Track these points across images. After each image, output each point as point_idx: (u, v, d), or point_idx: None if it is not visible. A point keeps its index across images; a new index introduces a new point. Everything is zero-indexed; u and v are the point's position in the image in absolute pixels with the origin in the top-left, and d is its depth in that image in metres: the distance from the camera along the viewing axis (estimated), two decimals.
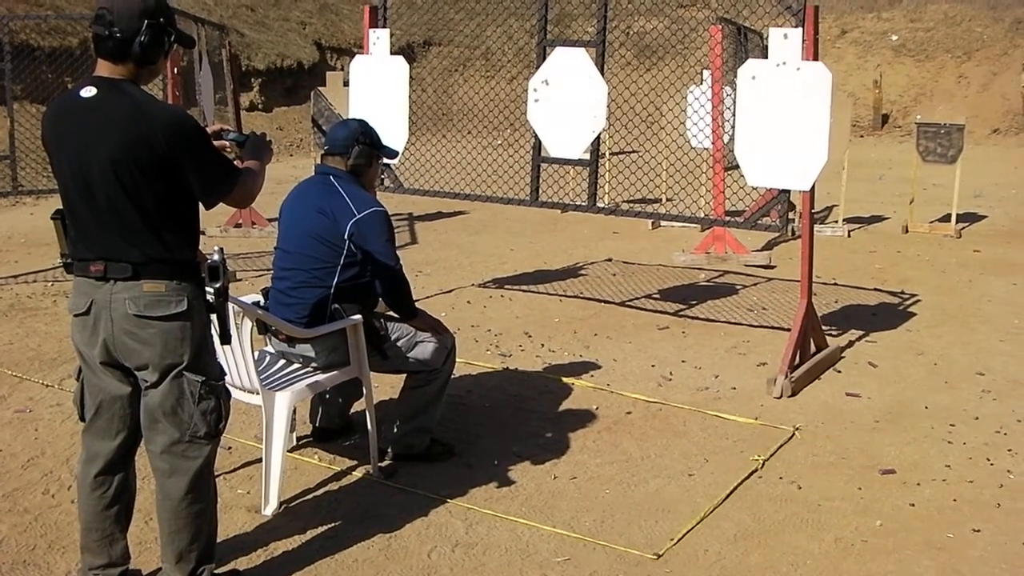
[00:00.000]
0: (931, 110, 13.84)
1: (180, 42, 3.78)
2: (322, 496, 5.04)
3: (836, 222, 12.97)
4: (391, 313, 5.33)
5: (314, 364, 5.13)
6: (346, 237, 5.01)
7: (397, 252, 5.25)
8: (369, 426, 5.21)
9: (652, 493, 5.12)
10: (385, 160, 5.62)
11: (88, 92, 3.56)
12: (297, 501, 4.97)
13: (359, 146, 5.20)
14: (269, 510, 4.80)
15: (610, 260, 10.95)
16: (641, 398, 6.42)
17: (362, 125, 5.34)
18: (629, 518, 4.84)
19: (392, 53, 8.31)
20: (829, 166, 6.77)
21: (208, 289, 3.75)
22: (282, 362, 5.23)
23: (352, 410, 5.77)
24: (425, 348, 5.24)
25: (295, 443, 5.57)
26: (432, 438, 5.46)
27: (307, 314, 5.04)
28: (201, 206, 3.76)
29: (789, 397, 6.49)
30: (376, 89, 8.23)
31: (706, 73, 11.10)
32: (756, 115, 6.71)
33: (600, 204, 10.28)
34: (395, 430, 5.41)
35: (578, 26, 23.71)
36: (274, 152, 4.15)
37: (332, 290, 5.06)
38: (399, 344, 5.22)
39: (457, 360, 5.76)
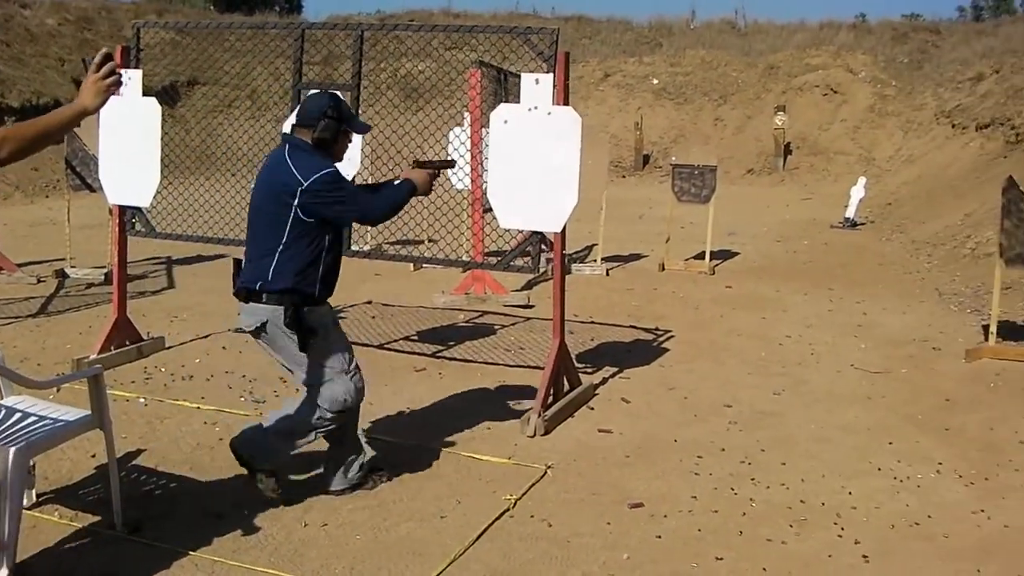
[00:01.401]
0: (686, 151, 14.32)
1: None
2: (61, 555, 4.86)
3: (595, 261, 13.26)
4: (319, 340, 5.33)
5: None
6: (295, 206, 5.10)
7: (360, 201, 5.37)
8: (112, 480, 5.05)
9: (403, 537, 5.11)
10: (355, 134, 5.60)
11: None
12: (34, 563, 4.76)
13: (326, 119, 5.26)
14: (2, 574, 4.58)
15: (370, 303, 10.92)
16: (396, 441, 6.41)
17: (333, 99, 5.38)
18: (380, 563, 4.82)
19: (155, 92, 8.11)
20: (588, 206, 6.91)
21: None
22: (17, 415, 5.01)
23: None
24: (332, 387, 5.32)
25: (35, 500, 5.35)
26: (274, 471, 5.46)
27: (262, 277, 5.19)
28: None
29: (543, 435, 6.59)
30: (127, 131, 7.98)
31: (467, 115, 11.21)
32: (509, 158, 6.80)
33: (357, 247, 10.25)
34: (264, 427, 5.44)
35: (347, 68, 23.74)
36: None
37: (275, 260, 5.16)
38: (320, 364, 5.31)
39: (208, 408, 5.63)
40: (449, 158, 5.68)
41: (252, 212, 5.36)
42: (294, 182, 5.09)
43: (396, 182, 5.54)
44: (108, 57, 3.79)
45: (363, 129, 5.62)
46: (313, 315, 5.27)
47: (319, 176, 5.12)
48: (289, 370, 5.44)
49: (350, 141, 5.52)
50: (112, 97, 3.72)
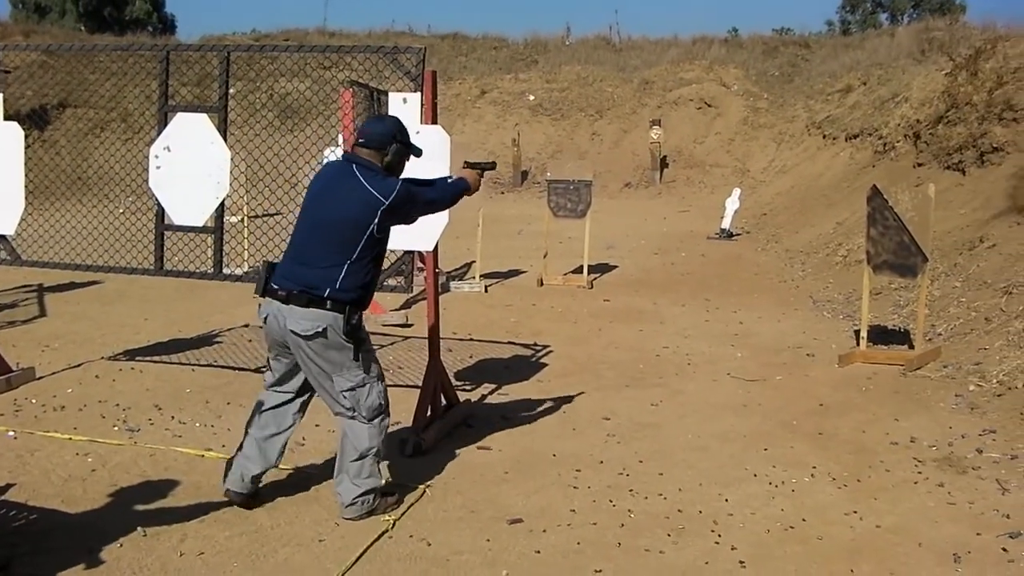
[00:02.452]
0: (561, 167, 14.44)
1: None
2: None
3: (474, 278, 13.25)
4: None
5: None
6: (374, 224, 5.22)
7: (428, 198, 5.55)
8: None
9: (281, 563, 5.03)
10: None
11: None
12: None
13: (396, 144, 5.41)
14: None
15: (247, 326, 10.74)
16: (273, 465, 6.33)
17: (398, 123, 5.53)
18: None
19: (24, 115, 7.95)
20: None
21: None
22: None
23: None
24: (369, 395, 5.45)
25: None
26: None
27: (330, 284, 5.21)
28: None
29: (420, 455, 6.55)
30: None
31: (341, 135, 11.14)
32: None
33: (241, 269, 10.13)
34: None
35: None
36: None
37: (343, 271, 5.22)
38: (363, 370, 5.41)
39: (80, 438, 5.47)
40: (492, 160, 5.84)
41: (311, 223, 5.36)
42: (375, 201, 5.20)
43: (450, 179, 5.82)
44: None
45: (419, 153, 5.67)
46: (363, 324, 5.42)
47: (396, 193, 5.26)
48: (326, 374, 5.44)
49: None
50: None
